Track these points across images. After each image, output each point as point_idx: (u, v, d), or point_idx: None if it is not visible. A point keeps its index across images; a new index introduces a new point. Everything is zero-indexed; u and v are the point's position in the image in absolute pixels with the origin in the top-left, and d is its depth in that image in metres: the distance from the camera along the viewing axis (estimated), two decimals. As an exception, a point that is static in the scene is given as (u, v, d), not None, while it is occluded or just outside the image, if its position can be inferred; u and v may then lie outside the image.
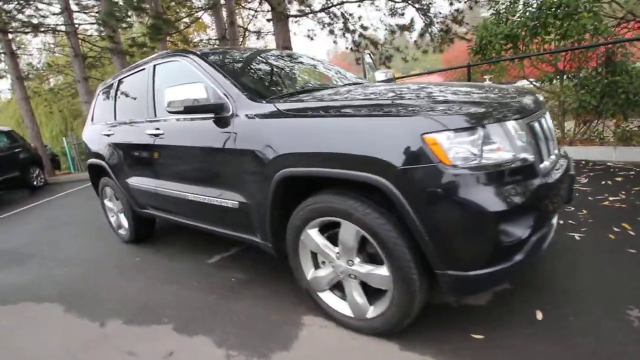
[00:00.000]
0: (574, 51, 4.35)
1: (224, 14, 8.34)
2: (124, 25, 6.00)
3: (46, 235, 4.34)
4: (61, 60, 12.37)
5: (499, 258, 1.30)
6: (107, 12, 5.28)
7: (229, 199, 2.01)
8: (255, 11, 9.60)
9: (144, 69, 2.70)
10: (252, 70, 2.33)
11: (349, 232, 1.51)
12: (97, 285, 2.67)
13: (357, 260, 1.57)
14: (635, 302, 1.64)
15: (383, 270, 1.47)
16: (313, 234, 1.67)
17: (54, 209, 6.16)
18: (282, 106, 1.72)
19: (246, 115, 1.84)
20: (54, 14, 9.00)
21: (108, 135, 3.07)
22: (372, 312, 1.58)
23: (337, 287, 1.76)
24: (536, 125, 1.50)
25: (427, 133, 1.26)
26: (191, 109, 1.91)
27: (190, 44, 11.42)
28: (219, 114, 1.97)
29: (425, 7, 6.92)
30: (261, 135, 1.72)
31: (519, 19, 4.73)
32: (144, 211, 3.05)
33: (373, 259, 1.56)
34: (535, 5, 4.41)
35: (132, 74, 2.90)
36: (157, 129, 2.41)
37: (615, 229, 2.38)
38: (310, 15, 7.83)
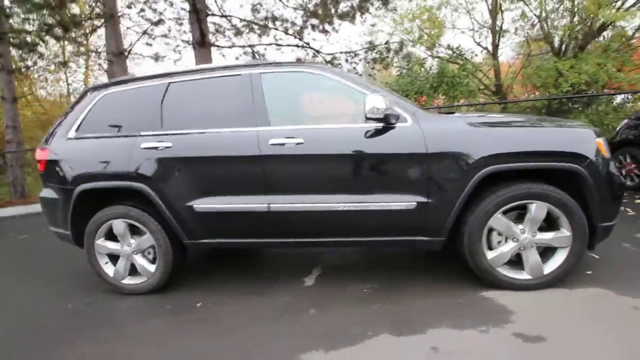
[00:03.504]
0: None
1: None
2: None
3: None
4: None
5: (618, 213, 2.21)
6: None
7: (404, 202, 2.17)
8: (147, 34, 8.56)
9: (239, 74, 2.41)
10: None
11: (541, 210, 2.09)
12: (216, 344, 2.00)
13: (537, 231, 2.15)
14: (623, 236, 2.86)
15: (564, 233, 2.11)
16: (501, 217, 2.14)
17: None
18: (475, 119, 2.17)
19: (431, 125, 2.15)
20: None
21: (156, 149, 2.40)
22: (548, 268, 2.17)
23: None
24: None
25: (598, 137, 2.08)
26: (387, 117, 2.06)
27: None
28: (392, 123, 2.17)
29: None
30: (462, 140, 2.09)
31: (424, 80, 6.59)
32: (204, 242, 2.49)
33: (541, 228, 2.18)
34: (436, 72, 6.35)
35: (206, 78, 2.47)
36: (291, 137, 2.24)
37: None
38: (233, 48, 7.81)
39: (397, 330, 1.90)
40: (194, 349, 1.93)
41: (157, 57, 8.28)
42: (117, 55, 6.88)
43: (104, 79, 12.89)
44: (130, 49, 8.93)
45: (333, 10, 6.77)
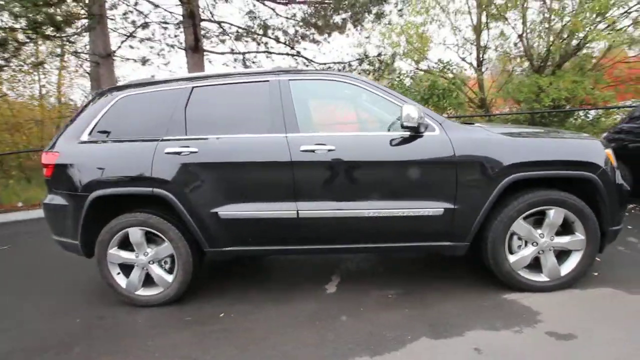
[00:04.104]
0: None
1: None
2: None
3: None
4: None
5: (623, 218, 2.39)
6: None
7: (432, 207, 2.24)
8: (133, 36, 8.31)
9: (267, 81, 2.41)
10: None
11: (558, 215, 2.22)
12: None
13: (554, 235, 2.29)
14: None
15: (579, 236, 2.25)
16: (522, 222, 2.25)
17: None
18: (497, 130, 2.30)
19: (458, 134, 2.25)
20: None
21: (181, 154, 2.34)
22: (564, 270, 2.30)
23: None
24: None
25: (606, 148, 2.26)
26: (419, 126, 2.14)
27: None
28: (422, 132, 2.25)
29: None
30: (488, 149, 2.20)
31: (415, 92, 6.84)
32: (227, 249, 2.43)
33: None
34: (428, 84, 6.63)
35: (232, 83, 2.46)
36: (322, 144, 2.25)
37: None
38: (224, 54, 7.76)
39: (435, 334, 1.95)
40: (227, 356, 1.88)
41: (144, 61, 8.04)
42: (105, 57, 6.62)
43: (83, 82, 12.33)
44: (116, 51, 8.64)
45: (331, 22, 6.92)
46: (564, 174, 2.21)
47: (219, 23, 7.61)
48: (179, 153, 2.35)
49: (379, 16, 6.80)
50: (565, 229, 2.31)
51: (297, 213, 2.30)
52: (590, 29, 5.94)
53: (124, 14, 8.20)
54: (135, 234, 2.44)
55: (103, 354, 2.01)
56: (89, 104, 2.64)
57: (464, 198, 2.23)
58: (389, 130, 2.38)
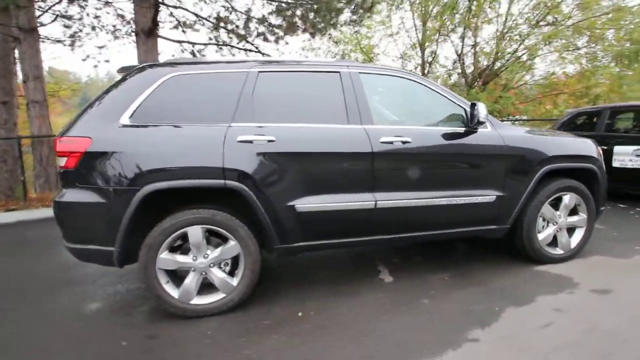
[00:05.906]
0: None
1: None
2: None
3: None
4: None
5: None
6: None
7: (487, 195, 2.55)
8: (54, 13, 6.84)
9: (338, 72, 2.39)
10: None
11: (572, 199, 2.77)
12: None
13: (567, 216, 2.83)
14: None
15: (583, 216, 2.84)
16: (548, 205, 2.73)
17: None
18: (524, 129, 2.73)
19: (506, 131, 2.62)
20: None
21: (256, 143, 2.14)
22: (573, 244, 2.86)
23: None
24: None
25: (598, 146, 2.90)
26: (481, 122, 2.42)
27: None
28: (478, 128, 2.55)
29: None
30: (530, 144, 2.61)
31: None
32: (299, 245, 2.32)
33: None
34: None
35: (301, 71, 2.37)
36: (399, 135, 2.34)
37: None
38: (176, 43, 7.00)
39: (514, 303, 2.22)
40: (351, 351, 1.81)
41: (72, 42, 6.76)
42: (28, 31, 5.35)
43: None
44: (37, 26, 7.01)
45: (303, 23, 6.94)
46: (580, 166, 2.78)
47: (166, 6, 6.89)
48: (253, 142, 2.15)
49: (355, 21, 7.10)
50: (570, 210, 2.89)
51: (375, 204, 2.34)
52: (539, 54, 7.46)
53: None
54: (196, 234, 2.12)
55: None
56: (123, 81, 2.19)
57: (510, 186, 2.60)
58: (437, 125, 2.62)
